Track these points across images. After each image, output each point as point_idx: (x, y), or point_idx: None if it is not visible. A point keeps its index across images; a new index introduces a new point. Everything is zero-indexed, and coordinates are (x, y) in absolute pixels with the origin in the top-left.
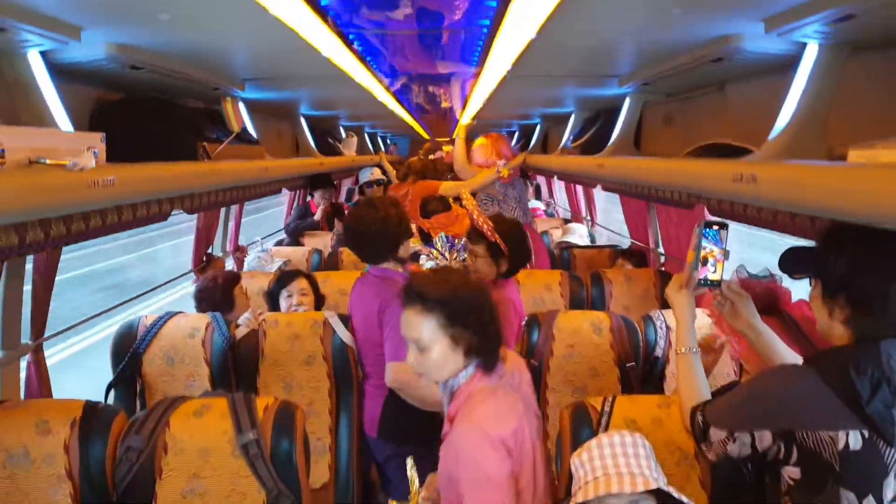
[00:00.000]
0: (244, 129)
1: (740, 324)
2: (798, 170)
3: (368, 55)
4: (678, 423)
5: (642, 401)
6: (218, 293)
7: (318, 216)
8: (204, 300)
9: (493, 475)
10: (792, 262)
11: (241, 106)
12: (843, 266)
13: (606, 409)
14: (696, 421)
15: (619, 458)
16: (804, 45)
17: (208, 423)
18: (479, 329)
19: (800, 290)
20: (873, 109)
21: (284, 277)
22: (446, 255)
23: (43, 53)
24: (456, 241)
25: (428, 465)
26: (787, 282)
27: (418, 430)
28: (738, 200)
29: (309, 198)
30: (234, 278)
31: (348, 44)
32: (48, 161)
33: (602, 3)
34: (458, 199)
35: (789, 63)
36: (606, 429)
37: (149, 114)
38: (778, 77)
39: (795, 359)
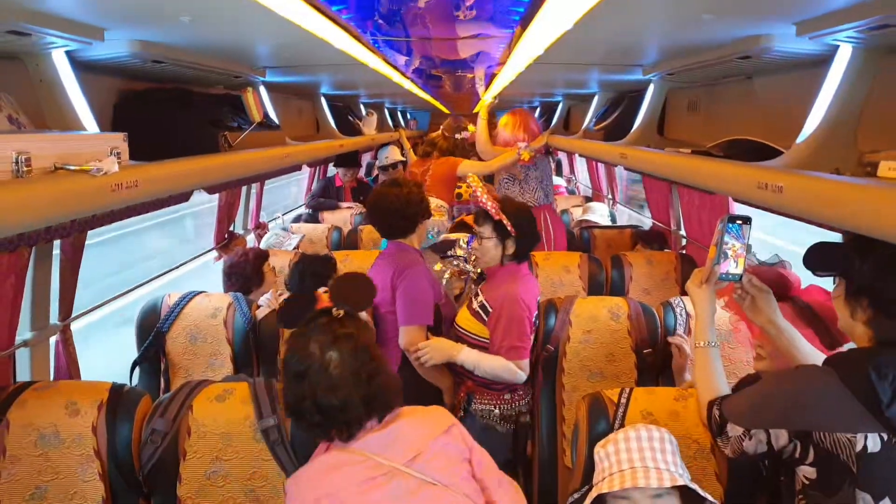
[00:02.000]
0: (265, 115)
1: (761, 319)
2: (825, 185)
3: (387, 42)
4: (695, 416)
5: (659, 393)
6: (249, 268)
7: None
8: (234, 275)
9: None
10: (817, 260)
11: (263, 91)
12: (868, 268)
13: (623, 400)
14: (713, 416)
15: (646, 451)
16: (836, 46)
17: (230, 407)
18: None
19: (809, 274)
20: None
21: None
22: (468, 258)
23: (67, 53)
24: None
25: None
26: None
27: (431, 396)
28: (763, 206)
29: (333, 171)
30: (264, 255)
31: (363, 36)
32: (73, 167)
33: (634, 3)
34: (462, 179)
35: (820, 61)
36: (623, 421)
37: (170, 106)
38: (808, 73)
39: (817, 355)
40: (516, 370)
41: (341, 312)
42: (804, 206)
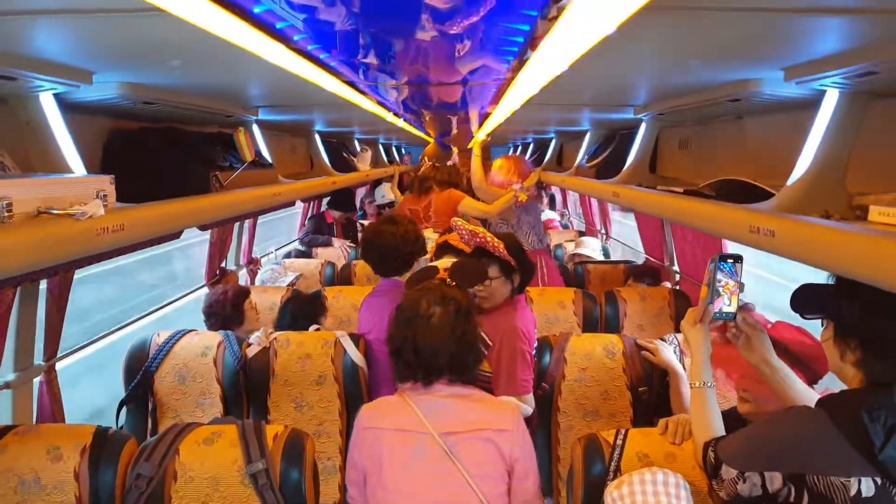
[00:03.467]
0: (257, 154)
1: (755, 358)
2: (817, 230)
3: (378, 87)
4: (691, 458)
5: (655, 434)
6: (228, 307)
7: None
8: (213, 315)
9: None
10: (804, 302)
11: (256, 128)
12: (857, 309)
13: (619, 442)
14: (707, 457)
15: (661, 496)
16: (823, 91)
17: (218, 451)
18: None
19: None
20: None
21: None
22: None
23: (56, 95)
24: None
25: None
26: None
27: None
28: (755, 248)
29: (324, 208)
30: (244, 293)
31: (354, 79)
32: (56, 211)
33: (629, 47)
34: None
35: (809, 104)
36: (619, 463)
37: (161, 146)
38: (797, 115)
39: (811, 395)
40: (525, 406)
41: (453, 283)
42: (796, 250)
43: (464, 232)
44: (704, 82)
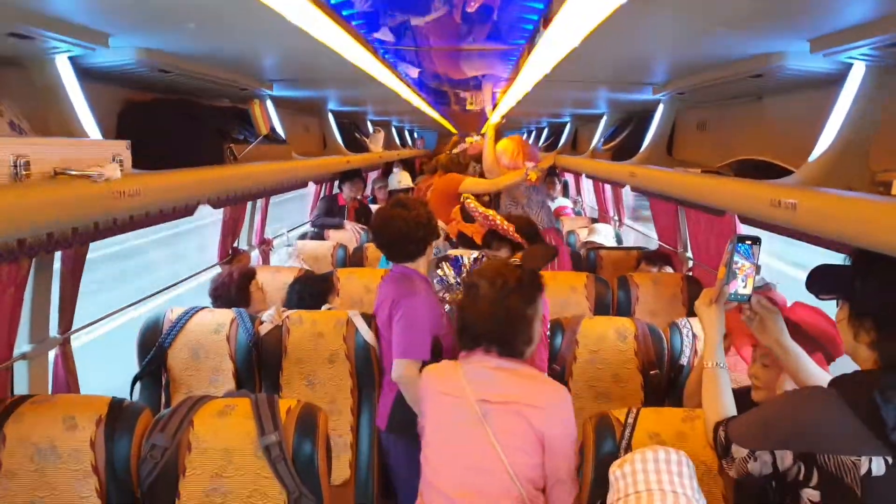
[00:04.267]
0: (272, 129)
1: (768, 339)
2: (840, 201)
3: (396, 59)
4: (702, 437)
5: (667, 414)
6: (233, 289)
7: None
8: (219, 297)
9: None
10: (820, 283)
11: (270, 105)
12: (871, 288)
13: (630, 421)
14: (718, 437)
15: (664, 474)
16: (850, 64)
17: (232, 423)
18: None
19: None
20: None
21: None
22: (451, 279)
23: (71, 58)
24: (465, 258)
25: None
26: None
27: None
28: (776, 224)
29: (336, 191)
30: (250, 274)
31: (374, 50)
32: (73, 172)
33: (646, 18)
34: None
35: (833, 80)
36: (629, 441)
37: (176, 117)
38: (820, 93)
39: (824, 376)
40: None
41: (517, 262)
42: (818, 223)
43: (477, 214)
44: (726, 56)
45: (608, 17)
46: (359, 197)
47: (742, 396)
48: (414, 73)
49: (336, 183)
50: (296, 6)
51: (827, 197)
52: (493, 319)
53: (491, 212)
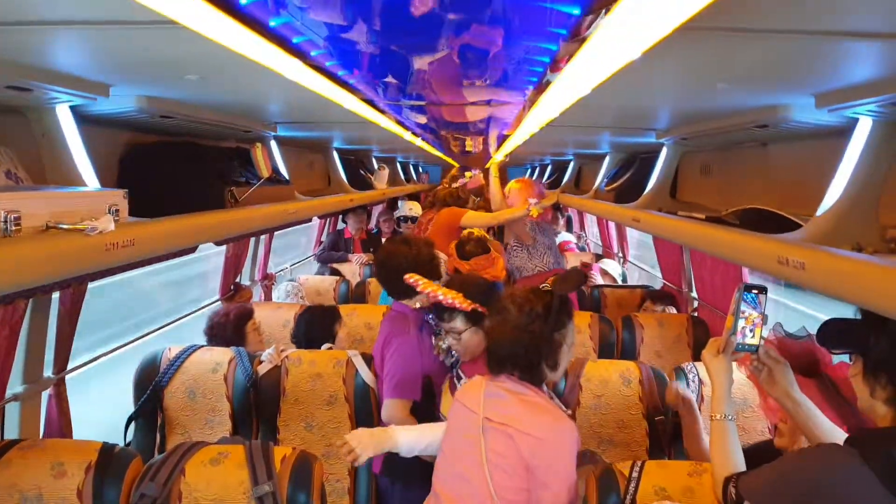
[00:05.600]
0: (274, 170)
1: (777, 392)
2: (849, 263)
3: (398, 108)
4: (710, 493)
5: (673, 467)
6: (230, 329)
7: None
8: (215, 336)
9: None
10: (831, 337)
11: (273, 144)
12: (885, 343)
13: (635, 475)
14: (728, 493)
15: None
16: (856, 119)
17: (224, 471)
18: None
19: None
20: None
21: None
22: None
23: (72, 107)
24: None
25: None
26: None
27: (418, 469)
28: (782, 280)
29: (342, 225)
30: (246, 314)
31: (374, 97)
32: (66, 226)
33: (654, 71)
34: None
35: (839, 132)
36: (634, 496)
37: (177, 161)
38: (826, 143)
39: (837, 432)
40: None
41: (547, 288)
42: (827, 284)
43: (419, 287)
44: (731, 107)
45: (618, 71)
46: (365, 228)
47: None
48: (415, 120)
49: (340, 217)
50: (292, 66)
51: (837, 258)
52: (519, 344)
53: (433, 286)
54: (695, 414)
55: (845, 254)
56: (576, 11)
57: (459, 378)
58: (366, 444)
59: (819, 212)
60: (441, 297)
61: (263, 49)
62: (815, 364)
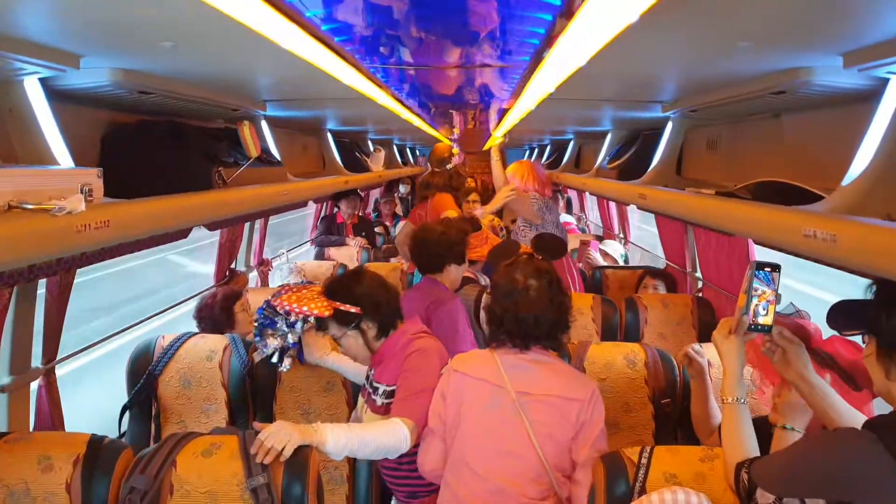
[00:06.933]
0: (264, 150)
1: (791, 374)
2: (888, 234)
3: (395, 74)
4: (722, 479)
5: (683, 452)
6: (216, 311)
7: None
8: (203, 318)
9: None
10: (842, 318)
11: (264, 124)
12: None
13: (643, 461)
14: (741, 479)
15: None
16: (886, 79)
17: (217, 463)
18: None
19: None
20: None
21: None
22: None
23: (42, 80)
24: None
25: None
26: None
27: None
28: (809, 256)
29: (335, 209)
30: (234, 296)
31: (370, 69)
32: (30, 206)
33: (658, 35)
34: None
35: (864, 97)
36: (644, 483)
37: (160, 140)
38: (848, 110)
39: (852, 414)
40: (402, 433)
41: (540, 256)
42: (861, 257)
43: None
44: (746, 73)
45: (617, 36)
46: (359, 213)
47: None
48: (410, 87)
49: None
50: (284, 30)
51: (871, 229)
52: (548, 314)
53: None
54: (705, 378)
55: (881, 223)
56: None
57: (375, 388)
58: (275, 434)
59: (845, 182)
60: (291, 309)
61: (247, 7)
62: (806, 340)
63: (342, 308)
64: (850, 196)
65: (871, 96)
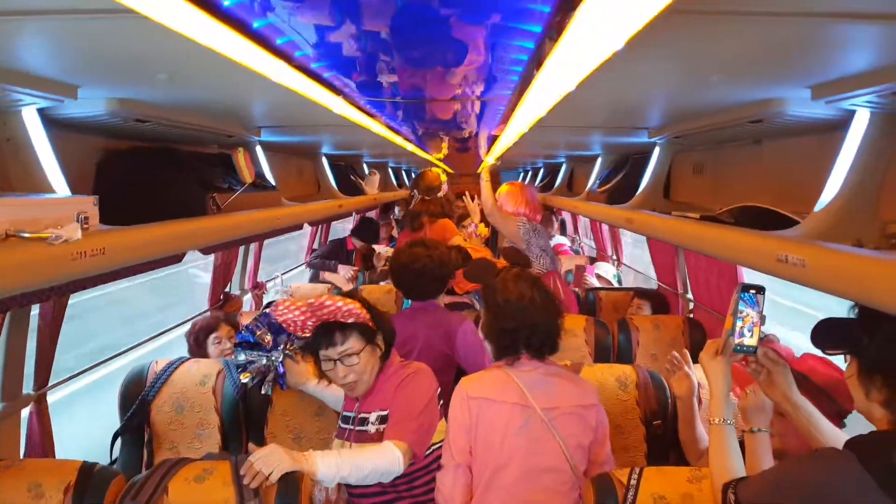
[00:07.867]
0: (259, 175)
1: (776, 395)
2: (853, 260)
3: (386, 111)
4: (710, 499)
5: (671, 474)
6: (191, 339)
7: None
8: (189, 344)
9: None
10: (825, 337)
11: (259, 149)
12: (879, 344)
13: (633, 482)
14: (728, 499)
15: None
16: (852, 111)
17: (209, 489)
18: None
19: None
20: None
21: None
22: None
23: (39, 110)
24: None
25: None
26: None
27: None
28: (781, 279)
29: (340, 230)
30: (206, 328)
31: (361, 101)
32: (27, 234)
33: (641, 64)
34: None
35: (836, 126)
36: None
37: (154, 167)
38: (822, 138)
39: (838, 435)
40: (394, 454)
41: (523, 269)
42: (828, 281)
43: (305, 308)
44: (724, 102)
45: (603, 63)
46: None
47: None
48: (403, 122)
49: (350, 233)
50: (275, 67)
51: (837, 254)
52: (553, 325)
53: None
54: (692, 399)
55: (847, 249)
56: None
57: (364, 420)
58: (265, 459)
59: (817, 208)
60: (340, 308)
61: (241, 47)
62: None
63: (368, 320)
64: (822, 221)
65: (840, 125)
